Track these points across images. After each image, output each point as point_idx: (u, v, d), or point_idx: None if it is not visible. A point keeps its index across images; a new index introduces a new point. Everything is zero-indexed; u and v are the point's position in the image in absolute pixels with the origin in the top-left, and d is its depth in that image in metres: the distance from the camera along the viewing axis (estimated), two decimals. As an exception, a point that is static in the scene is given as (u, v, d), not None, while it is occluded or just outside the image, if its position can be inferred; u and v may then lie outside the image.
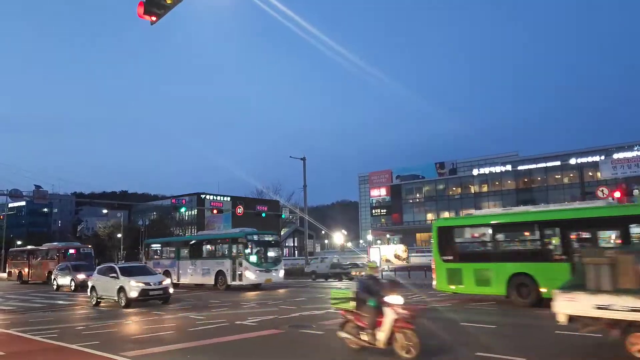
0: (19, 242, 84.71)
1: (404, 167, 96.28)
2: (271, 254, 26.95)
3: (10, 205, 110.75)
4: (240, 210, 40.77)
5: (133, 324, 14.33)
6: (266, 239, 27.37)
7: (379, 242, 79.13)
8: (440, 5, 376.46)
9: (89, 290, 20.42)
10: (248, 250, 25.38)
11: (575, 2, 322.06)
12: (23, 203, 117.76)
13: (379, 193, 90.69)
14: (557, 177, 70.68)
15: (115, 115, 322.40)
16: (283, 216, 54.79)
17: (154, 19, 9.43)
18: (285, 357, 9.16)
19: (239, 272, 25.30)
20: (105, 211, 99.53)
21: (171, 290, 19.73)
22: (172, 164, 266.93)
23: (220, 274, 26.54)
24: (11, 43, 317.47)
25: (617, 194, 33.21)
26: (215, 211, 50.50)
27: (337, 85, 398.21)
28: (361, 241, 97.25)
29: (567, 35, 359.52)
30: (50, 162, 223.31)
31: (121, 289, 18.53)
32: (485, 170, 76.77)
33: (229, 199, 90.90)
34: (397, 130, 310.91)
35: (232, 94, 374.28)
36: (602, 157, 62.98)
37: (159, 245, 34.19)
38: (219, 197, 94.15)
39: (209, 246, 29.21)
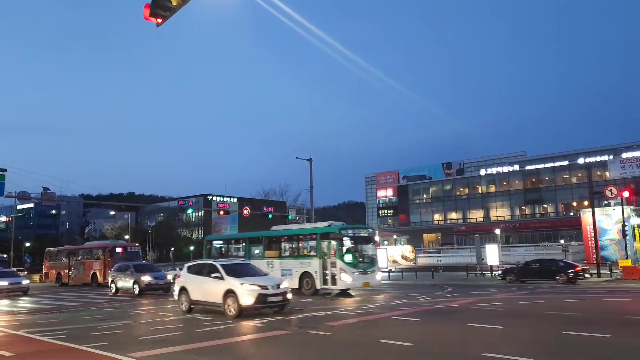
0: (27, 244, 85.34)
1: (410, 167, 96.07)
2: (368, 252, 22.98)
3: (19, 207, 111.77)
4: (247, 211, 40.81)
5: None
6: (362, 234, 23.17)
7: (385, 243, 78.86)
8: (446, 4, 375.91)
9: (175, 293, 16.99)
10: (343, 248, 21.41)
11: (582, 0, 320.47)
12: (31, 205, 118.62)
13: (386, 194, 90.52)
14: (565, 176, 70.29)
15: (123, 117, 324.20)
16: (290, 217, 54.55)
17: (159, 21, 9.43)
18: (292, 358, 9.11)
19: (332, 274, 21.56)
20: (112, 213, 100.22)
21: (289, 296, 15.63)
22: (179, 166, 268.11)
23: (306, 276, 22.86)
24: (19, 47, 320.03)
25: (626, 194, 33.02)
26: (221, 212, 50.65)
27: (343, 86, 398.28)
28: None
29: (575, 34, 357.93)
30: (58, 164, 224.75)
31: (229, 293, 14.58)
32: (493, 170, 76.44)
33: (235, 200, 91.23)
34: (404, 131, 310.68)
35: (239, 96, 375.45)
36: (611, 157, 62.53)
37: (223, 242, 30.86)
38: (225, 199, 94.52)
39: (290, 243, 25.23)
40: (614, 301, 17.15)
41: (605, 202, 42.90)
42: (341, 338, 10.86)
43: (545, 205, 72.24)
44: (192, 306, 16.21)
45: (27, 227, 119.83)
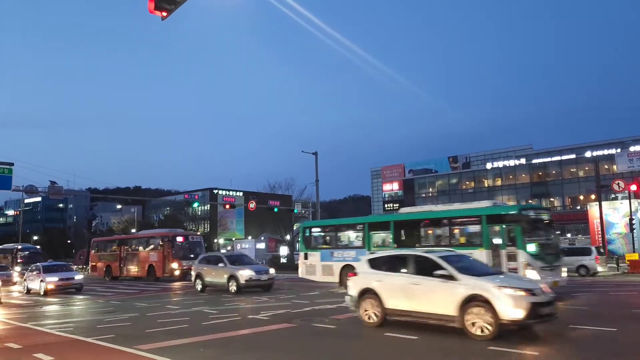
0: (35, 238, 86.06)
1: (416, 161, 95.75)
2: (553, 241, 17.14)
3: (26, 201, 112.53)
4: (252, 205, 40.91)
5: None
6: (544, 216, 17.62)
7: (391, 236, 78.97)
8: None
9: (351, 299, 11.65)
10: (525, 235, 15.75)
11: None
12: (39, 199, 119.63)
13: (392, 187, 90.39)
14: (572, 170, 69.91)
15: (129, 111, 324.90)
16: (295, 211, 54.75)
17: (164, 14, 9.44)
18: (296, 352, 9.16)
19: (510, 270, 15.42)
20: (119, 206, 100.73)
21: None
22: (186, 160, 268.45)
23: None
24: (23, 41, 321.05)
25: (634, 187, 32.84)
26: (227, 206, 50.80)
27: (349, 81, 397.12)
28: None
29: (582, 27, 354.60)
30: (65, 158, 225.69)
31: (477, 302, 9.38)
32: (499, 163, 76.16)
33: (241, 194, 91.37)
34: (410, 125, 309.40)
35: (245, 90, 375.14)
36: (619, 150, 62.12)
37: (330, 228, 23.49)
38: (231, 192, 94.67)
39: (436, 229, 19.53)
40: (621, 295, 17.10)
41: (613, 195, 42.68)
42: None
43: (552, 199, 71.93)
44: (386, 317, 10.92)
45: (34, 220, 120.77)
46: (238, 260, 22.90)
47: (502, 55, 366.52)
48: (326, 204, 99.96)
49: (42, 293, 23.93)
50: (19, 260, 43.97)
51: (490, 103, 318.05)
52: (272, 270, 22.47)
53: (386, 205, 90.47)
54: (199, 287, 22.62)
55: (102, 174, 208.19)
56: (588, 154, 65.64)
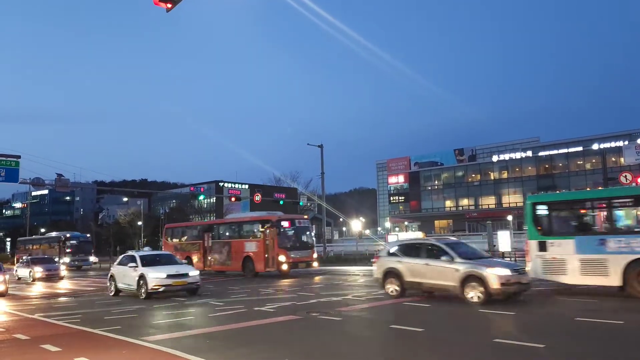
0: (42, 230, 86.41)
1: (422, 154, 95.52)
2: None
3: (33, 193, 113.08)
4: (258, 197, 40.92)
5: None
6: None
7: (397, 229, 78.91)
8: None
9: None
10: None
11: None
12: (46, 192, 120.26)
13: (397, 180, 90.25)
14: (579, 162, 69.48)
15: (135, 104, 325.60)
16: (301, 203, 54.92)
17: (169, 6, 9.43)
18: (303, 342, 9.18)
19: None
20: (125, 199, 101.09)
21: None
22: (191, 152, 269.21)
23: None
24: (30, 36, 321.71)
25: (642, 180, 32.51)
26: (233, 199, 50.89)
27: (355, 74, 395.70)
28: (379, 228, 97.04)
29: (588, 17, 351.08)
30: (72, 151, 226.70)
31: None
32: (505, 156, 75.81)
33: (247, 186, 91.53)
34: (416, 117, 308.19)
35: (251, 84, 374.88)
36: (626, 142, 61.58)
37: (591, 203, 15.78)
38: (237, 185, 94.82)
39: None
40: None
41: (620, 188, 42.28)
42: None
43: (558, 192, 71.49)
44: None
45: (41, 213, 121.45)
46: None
47: (510, 47, 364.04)
48: (332, 196, 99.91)
49: (143, 296, 16.82)
50: (67, 251, 41.05)
51: (497, 95, 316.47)
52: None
53: (392, 198, 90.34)
54: (391, 290, 15.00)
55: (108, 166, 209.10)
56: (595, 147, 65.20)
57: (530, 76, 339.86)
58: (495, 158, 77.20)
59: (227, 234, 29.06)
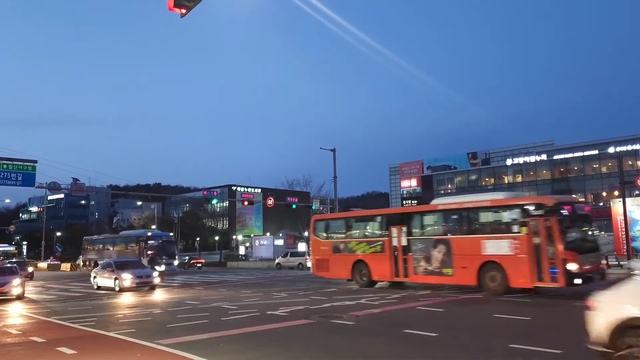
0: (58, 234, 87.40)
1: (435, 157, 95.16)
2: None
3: (50, 198, 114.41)
4: (271, 201, 40.96)
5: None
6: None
7: (410, 233, 78.46)
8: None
9: None
10: None
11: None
12: (61, 196, 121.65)
13: (410, 184, 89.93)
14: (594, 166, 68.62)
15: (149, 109, 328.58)
16: (314, 207, 54.65)
17: (183, 11, 9.48)
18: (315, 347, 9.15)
19: None
20: (139, 203, 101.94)
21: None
22: (204, 157, 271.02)
23: None
24: (47, 42, 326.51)
25: (659, 183, 32.02)
26: (246, 203, 50.87)
27: (366, 76, 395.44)
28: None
29: (604, 20, 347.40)
30: (87, 155, 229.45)
31: None
32: (520, 159, 75.13)
33: (259, 190, 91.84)
34: (428, 121, 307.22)
35: (263, 89, 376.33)
36: (643, 146, 60.79)
37: None
38: (249, 189, 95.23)
39: None
40: None
41: (637, 192, 41.77)
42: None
43: (574, 196, 70.66)
44: None
45: (57, 217, 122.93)
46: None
47: (526, 49, 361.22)
48: (344, 200, 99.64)
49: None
50: (149, 252, 35.71)
51: (512, 98, 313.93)
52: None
53: (404, 202, 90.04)
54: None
55: (122, 171, 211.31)
56: (611, 150, 64.32)
57: (546, 78, 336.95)
58: (509, 161, 76.57)
59: (442, 226, 19.47)
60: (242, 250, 73.92)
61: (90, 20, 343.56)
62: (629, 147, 63.65)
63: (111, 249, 42.68)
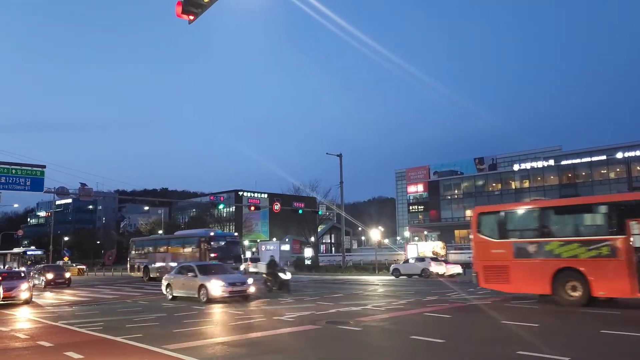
0: (65, 238, 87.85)
1: (441, 163, 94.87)
2: None
3: (58, 202, 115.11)
4: (277, 207, 41.02)
5: None
6: None
7: (416, 238, 78.30)
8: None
9: None
10: None
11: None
12: (69, 200, 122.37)
13: (416, 189, 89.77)
14: (602, 171, 68.28)
15: (156, 114, 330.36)
16: (320, 213, 54.84)
17: (191, 17, 9.57)
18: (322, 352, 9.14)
19: None
20: (146, 208, 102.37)
21: None
22: (211, 162, 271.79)
23: None
24: (54, 45, 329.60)
25: (668, 189, 31.60)
26: (252, 208, 50.97)
27: (372, 81, 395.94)
28: (398, 238, 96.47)
29: (614, 24, 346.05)
30: (94, 160, 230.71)
31: None
32: (527, 165, 74.92)
33: (266, 195, 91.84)
34: (434, 126, 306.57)
35: (269, 92, 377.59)
36: (652, 151, 60.40)
37: None
38: (256, 194, 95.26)
39: None
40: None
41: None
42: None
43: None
44: None
45: (65, 222, 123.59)
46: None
47: (531, 53, 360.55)
48: (350, 205, 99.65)
49: None
50: (212, 255, 31.10)
51: (519, 104, 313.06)
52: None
53: (411, 208, 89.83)
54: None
55: (129, 176, 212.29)
56: (620, 155, 63.97)
57: (552, 83, 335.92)
58: (516, 167, 76.34)
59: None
60: (248, 255, 73.99)
61: (100, 25, 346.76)
62: (638, 153, 63.31)
63: (165, 250, 37.41)
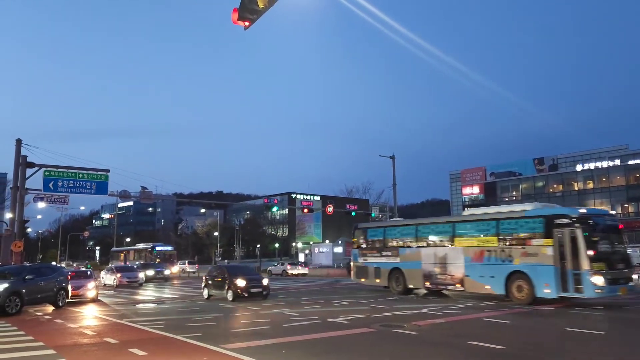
0: (127, 239, 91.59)
1: (498, 163, 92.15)
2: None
3: (120, 205, 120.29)
4: (330, 209, 41.13)
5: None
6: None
7: (472, 241, 76.38)
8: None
9: None
10: None
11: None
12: (131, 203, 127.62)
13: (472, 191, 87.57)
14: (673, 171, 64.20)
15: (211, 119, 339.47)
16: (373, 215, 54.39)
17: (247, 24, 9.73)
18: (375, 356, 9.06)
19: None
20: (203, 210, 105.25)
21: None
22: (265, 165, 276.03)
23: None
24: (117, 55, 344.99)
25: None
26: (305, 210, 51.44)
27: (426, 82, 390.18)
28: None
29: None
30: (154, 164, 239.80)
31: None
32: (591, 165, 71.53)
33: (318, 198, 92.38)
34: (490, 127, 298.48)
35: (322, 95, 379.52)
36: None
37: None
38: (309, 197, 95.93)
39: None
40: None
41: None
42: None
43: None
44: None
45: (127, 223, 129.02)
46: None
47: (592, 48, 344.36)
48: (404, 207, 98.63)
49: None
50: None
51: (580, 103, 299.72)
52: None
53: (466, 210, 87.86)
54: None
55: (187, 179, 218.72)
56: (693, 154, 60.03)
57: (615, 79, 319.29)
58: (579, 167, 73.06)
59: None
60: (301, 258, 74.62)
61: (157, 35, 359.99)
62: None
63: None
